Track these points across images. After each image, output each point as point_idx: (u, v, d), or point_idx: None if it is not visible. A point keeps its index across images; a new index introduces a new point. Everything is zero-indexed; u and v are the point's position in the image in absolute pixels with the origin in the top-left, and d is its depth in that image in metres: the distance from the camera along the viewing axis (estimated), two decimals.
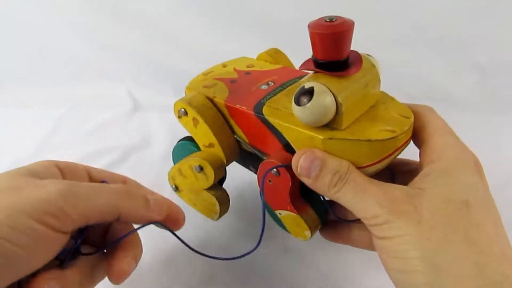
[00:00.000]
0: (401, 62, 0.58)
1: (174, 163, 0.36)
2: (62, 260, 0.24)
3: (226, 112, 0.30)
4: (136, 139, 0.52)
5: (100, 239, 0.28)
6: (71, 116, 0.58)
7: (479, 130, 0.49)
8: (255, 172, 0.33)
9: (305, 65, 0.26)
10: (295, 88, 0.26)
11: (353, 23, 0.23)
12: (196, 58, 0.63)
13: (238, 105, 0.29)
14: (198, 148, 0.33)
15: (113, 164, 0.47)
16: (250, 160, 0.34)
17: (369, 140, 0.24)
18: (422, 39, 0.60)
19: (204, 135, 0.31)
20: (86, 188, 0.23)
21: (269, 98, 0.29)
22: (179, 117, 0.31)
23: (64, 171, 0.27)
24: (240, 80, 0.33)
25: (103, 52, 0.66)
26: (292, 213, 0.28)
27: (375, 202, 0.22)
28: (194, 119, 0.30)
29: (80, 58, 0.66)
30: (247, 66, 0.36)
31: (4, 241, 0.19)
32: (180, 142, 0.35)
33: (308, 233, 0.29)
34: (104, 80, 0.64)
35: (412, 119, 0.25)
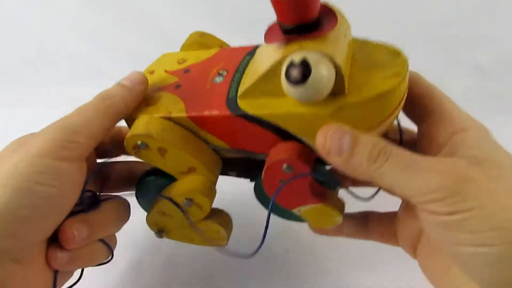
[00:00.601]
0: None
1: (146, 208, 0.29)
2: (84, 207, 0.25)
3: (192, 125, 0.25)
4: None
5: (122, 183, 0.31)
6: None
7: None
8: (236, 176, 0.30)
9: (271, 37, 0.22)
10: (259, 65, 0.23)
11: None
12: None
13: (206, 112, 0.24)
14: (172, 178, 0.27)
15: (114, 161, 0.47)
16: (229, 164, 0.28)
17: (381, 94, 0.20)
18: (422, 39, 0.59)
19: (179, 162, 0.25)
20: (74, 115, 0.25)
21: (235, 90, 0.24)
22: (136, 152, 0.25)
23: None
24: (184, 82, 0.27)
25: (103, 52, 0.66)
26: (316, 205, 0.25)
27: (436, 174, 0.19)
28: (159, 149, 0.25)
29: (81, 58, 0.66)
30: (179, 63, 0.29)
31: (39, 185, 0.21)
32: (144, 180, 0.28)
33: (339, 218, 0.25)
34: (104, 80, 0.63)
35: (404, 54, 0.23)
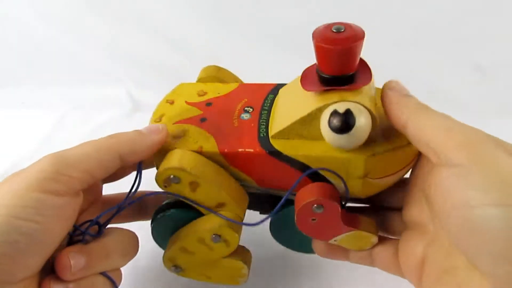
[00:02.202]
0: (401, 62, 0.58)
1: (162, 243, 0.29)
2: (83, 237, 0.24)
3: (222, 160, 0.25)
4: None
5: (132, 213, 0.30)
6: (71, 116, 0.58)
7: None
8: (264, 213, 0.30)
9: (309, 84, 0.23)
10: (291, 109, 0.25)
11: (364, 32, 0.21)
12: (196, 58, 0.63)
13: (240, 149, 0.25)
14: (198, 213, 0.27)
15: None
16: (257, 203, 0.29)
17: (408, 145, 0.23)
18: (422, 39, 0.59)
19: (209, 197, 0.25)
20: (73, 148, 0.24)
21: (266, 129, 0.26)
22: (166, 186, 0.25)
23: None
24: (209, 115, 0.27)
25: (103, 52, 0.66)
26: (350, 232, 0.25)
27: (468, 127, 0.20)
28: (192, 183, 0.25)
29: (80, 58, 0.66)
30: (199, 95, 0.30)
31: (20, 221, 0.20)
32: (164, 213, 0.28)
33: (375, 239, 0.26)
34: (104, 80, 0.64)
35: None
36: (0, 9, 0.67)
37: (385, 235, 0.28)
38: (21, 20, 0.67)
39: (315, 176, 0.24)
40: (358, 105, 0.22)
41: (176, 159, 0.24)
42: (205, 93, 0.30)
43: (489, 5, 0.58)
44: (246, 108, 0.27)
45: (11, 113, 0.59)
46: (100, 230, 0.25)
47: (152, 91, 0.62)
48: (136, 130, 0.25)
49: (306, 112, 0.23)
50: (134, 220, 0.30)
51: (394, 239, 0.27)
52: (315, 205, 0.23)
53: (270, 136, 0.25)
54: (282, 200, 0.25)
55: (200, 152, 0.25)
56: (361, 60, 0.23)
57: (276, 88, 0.29)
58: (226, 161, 0.25)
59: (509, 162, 0.18)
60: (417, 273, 0.24)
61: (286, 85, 0.28)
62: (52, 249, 0.22)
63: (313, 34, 0.22)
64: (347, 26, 0.21)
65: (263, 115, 0.27)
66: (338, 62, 0.22)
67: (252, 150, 0.25)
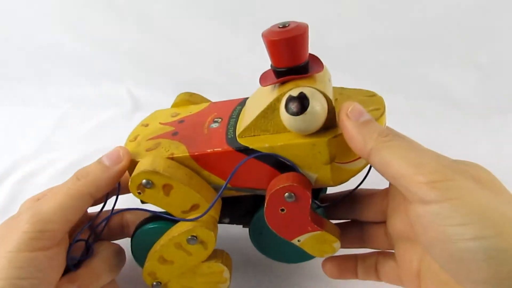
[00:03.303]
0: (401, 62, 0.58)
1: (142, 262, 0.28)
2: (70, 267, 0.26)
3: (194, 165, 0.26)
4: None
5: (114, 234, 0.31)
6: (71, 115, 0.58)
7: (480, 130, 0.49)
8: (228, 223, 0.31)
9: (266, 80, 0.25)
10: (255, 108, 0.26)
11: (307, 25, 0.23)
12: (196, 58, 0.63)
13: (209, 150, 0.26)
14: (170, 222, 0.27)
15: None
16: (222, 211, 0.29)
17: None
18: (422, 39, 0.59)
19: (182, 200, 0.26)
20: (47, 198, 0.25)
21: (233, 131, 0.27)
22: (140, 192, 0.25)
23: None
24: (181, 129, 0.29)
25: (103, 52, 0.66)
26: (315, 232, 0.26)
27: (435, 159, 0.20)
28: (165, 186, 0.25)
29: (81, 57, 0.66)
30: (172, 116, 0.32)
31: (23, 280, 0.22)
32: (142, 229, 0.28)
33: (337, 244, 0.26)
34: (104, 80, 0.64)
35: (378, 94, 0.27)
36: (1, 9, 0.67)
37: (371, 249, 0.28)
38: (21, 20, 0.67)
39: (281, 166, 0.25)
40: (311, 88, 0.23)
41: (149, 163, 0.25)
42: (177, 114, 0.32)
43: (489, 5, 0.58)
44: (215, 119, 0.29)
45: (12, 111, 0.59)
46: (88, 251, 0.27)
47: (152, 91, 0.62)
48: (99, 163, 0.26)
49: (266, 104, 0.25)
50: (118, 238, 0.31)
51: (394, 252, 0.27)
52: (287, 193, 0.24)
53: (237, 135, 0.26)
54: (223, 187, 0.26)
55: (172, 158, 0.26)
56: (313, 56, 0.25)
57: (243, 101, 0.31)
58: (198, 164, 0.26)
59: (481, 194, 0.19)
60: (416, 283, 0.24)
61: (251, 95, 0.30)
62: None
63: (262, 34, 0.24)
64: (292, 22, 0.23)
65: (231, 122, 0.28)
66: (287, 52, 0.23)
67: (220, 149, 0.25)
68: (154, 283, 0.28)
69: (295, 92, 0.23)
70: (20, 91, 0.63)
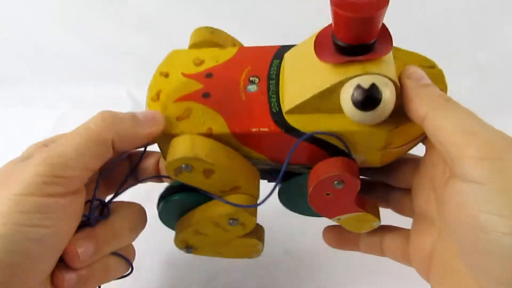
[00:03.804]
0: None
1: (169, 224, 0.28)
2: (90, 221, 0.23)
3: (234, 141, 0.24)
4: None
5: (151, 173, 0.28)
6: (72, 116, 0.58)
7: None
8: (272, 181, 0.29)
9: (325, 54, 0.21)
10: (305, 81, 0.22)
11: None
12: None
13: (253, 129, 0.23)
14: (202, 194, 0.25)
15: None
16: (265, 172, 0.28)
17: None
18: (422, 39, 0.59)
19: (223, 182, 0.24)
20: (63, 141, 0.22)
21: (277, 102, 0.24)
22: (176, 175, 0.23)
23: None
24: (212, 88, 0.25)
25: (103, 52, 0.66)
26: (356, 213, 0.25)
27: (491, 129, 0.19)
28: (206, 171, 0.23)
29: (80, 58, 0.66)
30: (196, 64, 0.27)
31: (28, 227, 0.19)
32: (170, 198, 0.26)
33: (377, 223, 0.25)
34: (104, 80, 0.64)
35: (439, 67, 0.25)
36: (0, 9, 0.67)
37: (398, 213, 0.27)
38: (21, 19, 0.67)
39: (331, 148, 0.23)
40: (383, 77, 0.20)
41: (188, 146, 0.22)
42: (202, 62, 0.27)
43: (489, 5, 0.58)
44: (251, 78, 0.25)
45: (11, 112, 0.59)
46: (107, 211, 0.24)
47: None
48: (131, 115, 0.24)
49: (325, 85, 0.21)
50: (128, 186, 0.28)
51: (404, 229, 0.26)
52: (337, 181, 0.22)
53: (284, 111, 0.23)
54: (282, 171, 0.23)
55: (210, 135, 0.23)
56: (382, 28, 0.21)
57: (280, 52, 0.26)
58: (238, 141, 0.24)
59: None
60: (425, 265, 0.23)
61: (292, 49, 0.26)
62: (63, 248, 0.21)
63: (331, 1, 0.19)
64: None
65: (271, 86, 0.24)
66: (359, 31, 0.20)
67: (267, 129, 0.23)
68: (185, 248, 0.28)
69: (365, 83, 0.20)
70: (20, 91, 0.63)
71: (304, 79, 0.23)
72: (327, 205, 0.24)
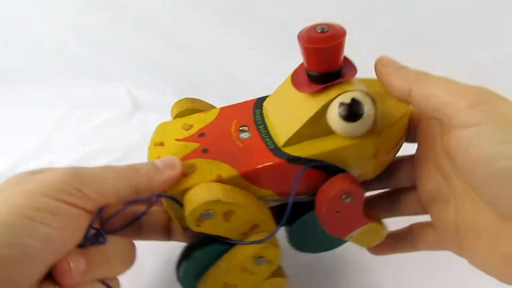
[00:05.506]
0: (401, 62, 0.58)
1: (190, 283, 0.27)
2: (84, 241, 0.23)
3: (243, 182, 0.25)
4: (136, 139, 0.51)
5: (161, 230, 0.29)
6: (71, 116, 0.58)
7: None
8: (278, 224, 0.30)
9: (303, 85, 0.24)
10: (292, 114, 0.25)
11: (345, 29, 0.23)
12: (196, 58, 0.63)
13: (259, 165, 0.24)
14: (228, 244, 0.26)
15: (113, 164, 0.47)
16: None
17: (402, 116, 0.25)
18: (422, 39, 0.59)
19: (243, 223, 0.25)
20: (93, 169, 0.23)
21: (272, 140, 0.26)
22: (199, 225, 0.24)
23: None
24: (208, 145, 0.26)
25: (103, 52, 0.66)
26: (367, 225, 0.27)
27: (475, 86, 0.22)
28: (226, 213, 0.24)
29: (80, 58, 0.66)
30: (186, 129, 0.28)
31: (35, 223, 0.19)
32: (195, 256, 0.26)
33: (384, 231, 0.28)
34: (104, 80, 0.64)
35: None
36: (0, 9, 0.67)
37: (405, 215, 0.29)
38: (21, 19, 0.67)
39: (330, 171, 0.25)
40: (359, 92, 0.23)
41: (205, 193, 0.23)
42: (191, 126, 0.29)
43: (489, 5, 0.58)
44: (241, 128, 0.27)
45: (11, 112, 0.59)
46: (102, 239, 0.24)
47: (152, 91, 0.62)
48: (153, 164, 0.25)
49: (312, 112, 0.24)
50: (137, 239, 0.29)
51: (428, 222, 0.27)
52: (344, 195, 0.24)
53: (280, 146, 0.25)
54: (292, 196, 0.25)
55: (220, 181, 0.24)
56: (345, 57, 0.25)
57: (258, 102, 0.29)
58: (247, 181, 0.25)
59: None
60: (455, 241, 0.24)
61: (268, 97, 0.28)
62: (59, 258, 0.21)
63: (299, 37, 0.23)
64: (329, 25, 0.23)
65: (261, 129, 0.27)
66: (327, 59, 0.23)
67: (271, 163, 0.24)
68: None
69: (346, 98, 0.23)
70: (20, 91, 0.63)
71: (290, 114, 0.26)
72: (339, 223, 0.26)
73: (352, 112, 0.23)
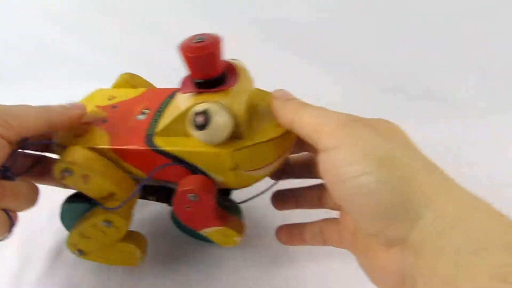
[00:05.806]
0: (401, 62, 0.58)
1: (68, 228, 0.32)
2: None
3: (115, 156, 0.28)
4: None
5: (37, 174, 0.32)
6: None
7: (479, 130, 0.49)
8: (155, 200, 0.35)
9: (185, 88, 0.27)
10: (174, 109, 0.28)
11: (221, 39, 0.25)
12: None
13: (126, 146, 0.28)
14: (90, 203, 0.30)
15: None
16: (149, 190, 0.34)
17: (271, 139, 0.26)
18: (422, 39, 0.60)
19: (99, 188, 0.28)
20: (17, 106, 0.27)
21: (154, 127, 0.28)
22: (62, 178, 0.28)
23: None
24: (111, 117, 0.31)
25: (103, 52, 0.66)
26: (219, 228, 0.29)
27: (340, 113, 0.24)
28: (83, 176, 0.28)
29: (80, 58, 0.66)
30: (109, 99, 0.33)
31: None
32: (67, 205, 0.31)
33: (237, 238, 0.30)
34: (104, 80, 0.64)
35: None
36: (0, 9, 0.67)
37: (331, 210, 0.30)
38: (21, 20, 0.67)
39: (195, 170, 0.27)
40: (217, 105, 0.25)
41: (70, 154, 0.28)
42: (114, 98, 0.33)
43: (489, 5, 0.58)
44: (143, 111, 0.30)
45: None
46: (11, 173, 0.28)
47: None
48: (63, 104, 0.29)
49: (180, 111, 0.26)
50: (39, 182, 0.32)
51: (336, 218, 0.29)
52: (191, 194, 0.26)
53: (155, 133, 0.28)
54: (141, 184, 0.28)
55: (93, 149, 0.28)
56: (230, 65, 0.27)
57: (174, 93, 0.31)
58: (118, 156, 0.28)
59: (372, 138, 0.21)
60: (351, 241, 0.26)
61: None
62: None
63: (179, 47, 0.25)
64: (207, 35, 0.25)
65: (156, 116, 0.29)
66: (203, 67, 0.25)
67: (136, 147, 0.28)
68: (77, 251, 0.32)
69: (200, 108, 0.25)
70: (19, 92, 0.62)
71: (173, 109, 0.28)
72: (190, 217, 0.28)
73: (198, 121, 0.24)
